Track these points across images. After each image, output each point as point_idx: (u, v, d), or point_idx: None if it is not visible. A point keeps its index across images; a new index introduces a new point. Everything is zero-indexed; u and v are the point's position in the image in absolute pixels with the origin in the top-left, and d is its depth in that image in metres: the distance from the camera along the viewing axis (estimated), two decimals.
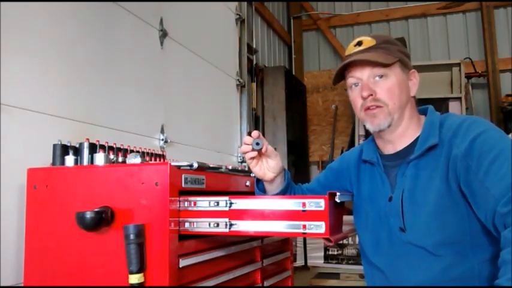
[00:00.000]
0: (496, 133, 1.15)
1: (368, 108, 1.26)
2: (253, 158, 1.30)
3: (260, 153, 1.29)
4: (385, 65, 1.23)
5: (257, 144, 1.25)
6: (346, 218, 1.41)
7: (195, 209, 1.28)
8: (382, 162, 1.34)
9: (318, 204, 1.14)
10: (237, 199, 1.24)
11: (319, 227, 1.13)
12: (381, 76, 1.24)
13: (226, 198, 1.25)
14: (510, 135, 3.77)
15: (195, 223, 1.27)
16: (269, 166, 1.32)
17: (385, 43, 1.27)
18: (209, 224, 1.25)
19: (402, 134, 1.29)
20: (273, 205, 1.20)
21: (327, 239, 1.16)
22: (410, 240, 1.22)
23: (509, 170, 1.05)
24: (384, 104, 1.24)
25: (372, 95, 1.25)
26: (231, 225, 1.23)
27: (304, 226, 1.15)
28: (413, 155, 1.24)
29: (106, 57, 2.16)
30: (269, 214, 1.20)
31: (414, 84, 1.30)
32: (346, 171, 1.47)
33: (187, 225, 1.27)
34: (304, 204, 1.16)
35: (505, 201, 1.03)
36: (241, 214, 1.23)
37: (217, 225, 1.24)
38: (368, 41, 1.28)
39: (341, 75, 1.33)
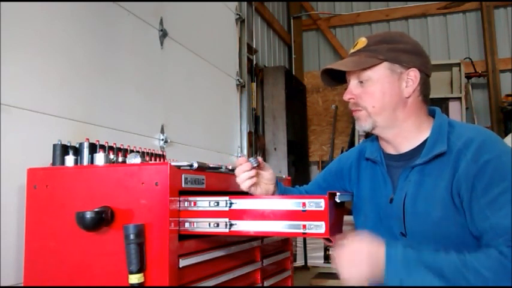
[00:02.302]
0: (509, 159, 1.13)
1: (353, 110, 1.30)
2: (252, 184, 1.30)
3: (257, 172, 1.31)
4: (365, 69, 1.24)
5: (254, 161, 1.28)
6: (346, 218, 1.41)
7: (195, 209, 1.27)
8: (385, 162, 1.33)
9: (318, 204, 1.14)
10: (237, 199, 1.24)
11: (319, 227, 1.13)
12: (362, 81, 1.25)
13: (226, 198, 1.25)
14: (510, 135, 3.74)
15: (195, 223, 1.27)
16: (266, 179, 1.34)
17: (376, 44, 1.25)
18: (209, 224, 1.25)
19: (400, 134, 1.27)
20: (273, 205, 1.20)
21: (327, 239, 1.16)
22: (411, 245, 1.21)
23: None
24: (363, 107, 1.26)
25: (352, 98, 1.28)
26: (231, 225, 1.23)
27: (304, 226, 1.15)
28: (419, 160, 1.22)
29: (106, 57, 2.16)
30: (269, 214, 1.20)
31: (411, 85, 1.24)
32: (345, 171, 1.46)
33: (187, 225, 1.27)
34: (304, 204, 1.16)
35: (505, 240, 1.05)
36: (241, 214, 1.23)
37: (217, 225, 1.24)
38: (361, 43, 1.28)
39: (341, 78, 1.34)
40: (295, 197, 1.32)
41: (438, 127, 1.24)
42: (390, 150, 1.33)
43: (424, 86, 1.27)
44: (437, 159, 1.20)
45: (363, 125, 1.28)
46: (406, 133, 1.27)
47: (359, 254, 1.08)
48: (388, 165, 1.32)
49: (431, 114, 1.30)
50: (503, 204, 1.08)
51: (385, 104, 1.24)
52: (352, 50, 1.30)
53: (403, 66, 1.24)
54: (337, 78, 1.34)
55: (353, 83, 1.28)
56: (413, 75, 1.24)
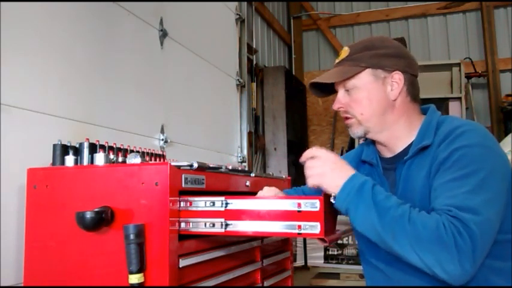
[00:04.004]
0: (480, 151, 1.13)
1: (344, 119, 1.33)
2: None
3: None
4: (349, 78, 1.26)
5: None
6: (343, 217, 1.41)
7: (191, 209, 1.28)
8: (381, 165, 1.34)
9: (314, 204, 1.14)
10: (232, 199, 1.24)
11: (315, 228, 1.13)
12: (348, 89, 1.28)
13: (222, 198, 1.25)
14: (510, 135, 3.73)
15: (191, 223, 1.27)
16: None
17: (358, 52, 1.28)
18: (205, 224, 1.25)
19: (393, 136, 1.29)
20: (268, 205, 1.20)
21: (322, 240, 1.16)
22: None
23: (465, 194, 1.06)
24: (352, 115, 1.29)
25: (342, 107, 1.31)
26: (226, 225, 1.23)
27: (300, 226, 1.15)
28: (407, 155, 1.25)
29: (106, 57, 2.16)
30: (265, 214, 1.20)
31: (396, 88, 1.26)
32: None
33: (183, 225, 1.27)
34: (299, 205, 1.16)
35: (449, 210, 1.05)
36: (237, 214, 1.23)
37: (213, 225, 1.24)
38: (344, 52, 1.31)
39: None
40: (290, 197, 1.32)
41: (427, 123, 1.27)
42: (386, 152, 1.34)
43: (412, 87, 1.29)
44: (424, 152, 1.22)
45: (355, 132, 1.31)
46: (398, 134, 1.29)
47: (333, 167, 1.16)
48: (383, 168, 1.34)
49: (425, 112, 1.31)
50: (453, 188, 1.09)
51: (373, 110, 1.27)
52: (336, 61, 1.33)
53: (386, 70, 1.26)
54: (327, 89, 1.37)
55: (341, 92, 1.31)
56: (397, 78, 1.27)
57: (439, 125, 1.24)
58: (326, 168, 1.17)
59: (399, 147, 1.30)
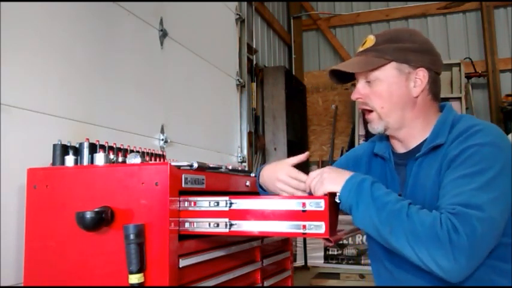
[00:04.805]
0: (492, 150, 1.12)
1: (364, 111, 1.30)
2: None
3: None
4: (372, 70, 1.23)
5: None
6: (347, 217, 1.41)
7: (195, 209, 1.27)
8: (393, 159, 1.33)
9: (318, 204, 1.14)
10: (237, 199, 1.24)
11: (319, 227, 1.13)
12: (369, 81, 1.25)
13: (226, 198, 1.25)
14: (510, 135, 3.74)
15: (195, 223, 1.27)
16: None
17: (384, 42, 1.24)
18: (209, 224, 1.25)
19: (410, 133, 1.27)
20: (273, 205, 1.20)
21: (327, 239, 1.16)
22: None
23: (472, 191, 1.05)
24: (372, 107, 1.26)
25: (361, 98, 1.27)
26: (231, 225, 1.23)
27: (304, 226, 1.15)
28: (419, 153, 1.24)
29: (106, 57, 2.16)
30: (269, 214, 1.20)
31: (419, 85, 1.23)
32: (354, 168, 1.45)
33: (187, 225, 1.27)
34: (304, 205, 1.15)
35: (452, 208, 1.04)
36: (241, 214, 1.23)
37: (217, 225, 1.24)
38: (369, 41, 1.27)
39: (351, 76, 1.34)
40: (295, 197, 1.31)
41: (442, 122, 1.24)
42: (399, 148, 1.33)
43: (434, 85, 1.26)
44: (436, 151, 1.21)
45: (375, 128, 1.28)
46: (416, 131, 1.27)
47: (330, 171, 1.20)
48: (395, 162, 1.32)
49: (441, 109, 1.30)
50: (461, 185, 1.08)
51: (393, 105, 1.24)
52: (360, 49, 1.29)
53: (411, 66, 1.23)
54: (346, 76, 1.34)
55: (361, 82, 1.28)
56: (421, 75, 1.23)
57: (454, 123, 1.22)
58: (324, 175, 1.19)
59: (413, 144, 1.28)
